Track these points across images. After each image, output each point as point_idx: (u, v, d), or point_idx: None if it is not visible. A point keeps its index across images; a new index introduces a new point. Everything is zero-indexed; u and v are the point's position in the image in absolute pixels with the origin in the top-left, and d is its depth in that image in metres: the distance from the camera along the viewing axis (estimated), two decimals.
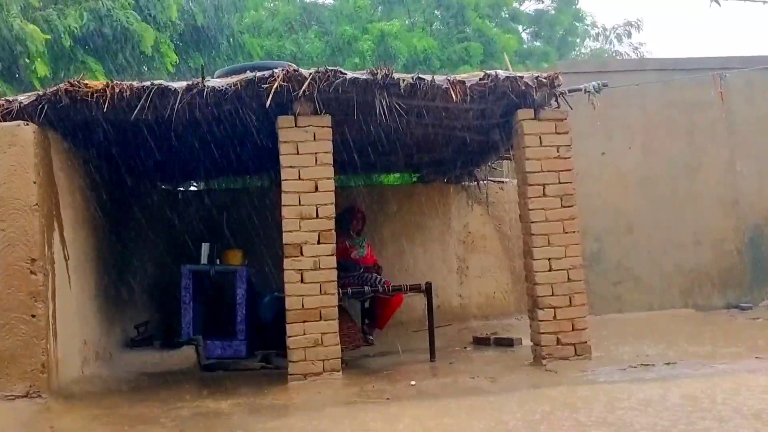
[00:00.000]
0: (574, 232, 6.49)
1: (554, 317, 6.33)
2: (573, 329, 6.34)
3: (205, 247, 7.92)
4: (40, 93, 5.92)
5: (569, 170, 6.55)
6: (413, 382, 5.91)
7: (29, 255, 5.45)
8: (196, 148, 7.18)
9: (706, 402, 4.55)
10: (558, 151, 6.54)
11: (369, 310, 8.19)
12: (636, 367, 5.95)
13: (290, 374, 6.05)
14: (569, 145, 6.57)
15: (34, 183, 5.54)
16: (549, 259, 6.41)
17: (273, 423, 4.73)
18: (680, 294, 10.08)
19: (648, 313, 9.63)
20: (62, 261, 6.02)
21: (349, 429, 4.49)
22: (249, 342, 7.73)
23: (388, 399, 5.38)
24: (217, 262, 7.96)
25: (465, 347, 7.93)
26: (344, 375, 6.15)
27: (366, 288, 7.36)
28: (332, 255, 6.22)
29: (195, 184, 10.53)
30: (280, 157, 6.20)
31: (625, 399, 4.81)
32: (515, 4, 21.02)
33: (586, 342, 6.36)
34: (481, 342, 8.08)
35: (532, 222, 6.46)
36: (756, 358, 6.04)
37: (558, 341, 6.30)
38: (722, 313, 9.48)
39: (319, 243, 6.17)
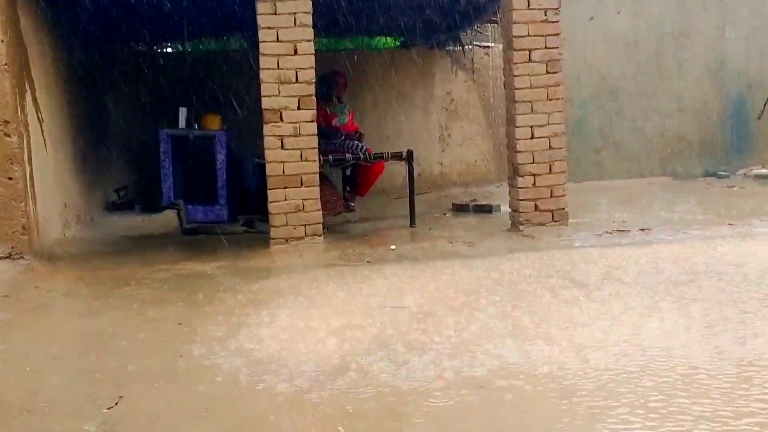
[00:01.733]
0: (558, 99, 6.43)
1: (533, 184, 6.39)
2: (551, 196, 6.41)
3: (182, 111, 7.78)
4: None
5: (557, 35, 6.39)
6: (393, 247, 6.02)
7: (1, 117, 5.32)
8: (171, 6, 6.88)
9: (674, 262, 4.70)
10: (546, 15, 6.35)
11: (350, 178, 8.21)
12: (611, 233, 6.08)
13: (272, 239, 6.13)
14: (557, 9, 6.38)
15: (2, 42, 5.32)
16: (531, 126, 6.38)
17: (256, 284, 4.83)
18: (660, 161, 10.16)
19: (627, 180, 9.75)
20: (36, 124, 5.90)
21: (330, 288, 4.61)
22: (230, 207, 7.77)
23: (368, 262, 5.49)
24: (195, 126, 7.85)
25: (444, 214, 8.03)
26: (326, 240, 6.25)
27: (347, 155, 7.34)
28: (313, 121, 6.15)
29: (171, 46, 10.18)
30: (257, 17, 5.97)
31: (598, 261, 4.95)
32: None
33: (563, 208, 6.45)
34: (460, 209, 8.17)
35: (517, 89, 6.37)
36: (729, 224, 6.18)
37: (536, 208, 6.39)
38: (699, 181, 9.62)
39: (299, 109, 6.07)
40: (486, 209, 7.90)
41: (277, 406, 2.80)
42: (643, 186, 9.40)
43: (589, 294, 4.13)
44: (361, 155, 7.39)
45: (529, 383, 2.87)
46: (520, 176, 6.37)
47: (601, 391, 2.72)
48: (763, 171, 9.49)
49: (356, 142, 7.76)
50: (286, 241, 6.10)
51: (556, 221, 6.40)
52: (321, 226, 6.25)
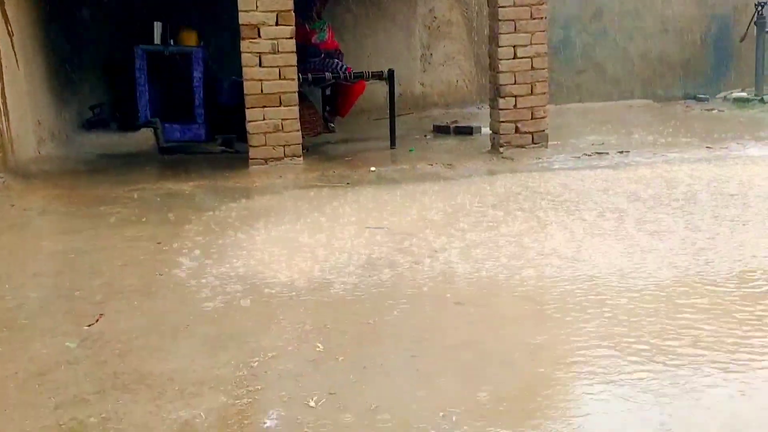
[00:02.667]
0: (541, 18, 6.32)
1: (515, 106, 6.35)
2: (532, 118, 6.39)
3: (157, 26, 7.54)
4: None
5: None
6: (373, 168, 6.01)
7: None
8: None
9: (648, 182, 4.76)
10: None
11: (330, 98, 8.09)
12: (590, 156, 6.11)
13: (251, 159, 6.08)
14: None
15: None
16: (514, 46, 6.30)
17: (235, 204, 4.82)
18: (641, 84, 10.11)
19: (608, 102, 9.71)
20: (6, 37, 5.71)
21: (310, 208, 4.62)
22: (208, 126, 7.66)
23: (348, 184, 5.49)
24: (171, 42, 7.64)
25: (425, 135, 7.99)
26: (305, 161, 6.21)
27: (327, 74, 7.21)
28: (291, 38, 6.01)
29: None
30: None
31: (575, 183, 5.00)
32: None
33: (543, 130, 6.45)
34: (441, 130, 8.13)
35: (500, 6, 6.25)
36: (707, 147, 6.22)
37: (516, 129, 6.38)
38: (679, 104, 9.61)
39: (277, 24, 5.92)
40: (466, 131, 7.86)
41: (256, 322, 2.84)
42: (624, 108, 9.38)
43: (564, 214, 4.19)
44: (342, 74, 7.26)
45: (503, 298, 2.94)
46: (502, 97, 6.33)
47: (564, 296, 2.80)
48: (743, 94, 9.48)
49: (336, 60, 7.61)
50: (265, 161, 6.06)
51: (536, 143, 6.40)
52: (300, 146, 6.20)
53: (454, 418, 2.06)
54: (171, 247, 3.88)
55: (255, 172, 5.93)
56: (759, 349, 2.43)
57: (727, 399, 2.13)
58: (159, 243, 3.98)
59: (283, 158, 6.10)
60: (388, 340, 2.65)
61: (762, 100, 9.04)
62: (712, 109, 8.92)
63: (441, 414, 2.08)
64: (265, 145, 6.06)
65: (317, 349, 2.57)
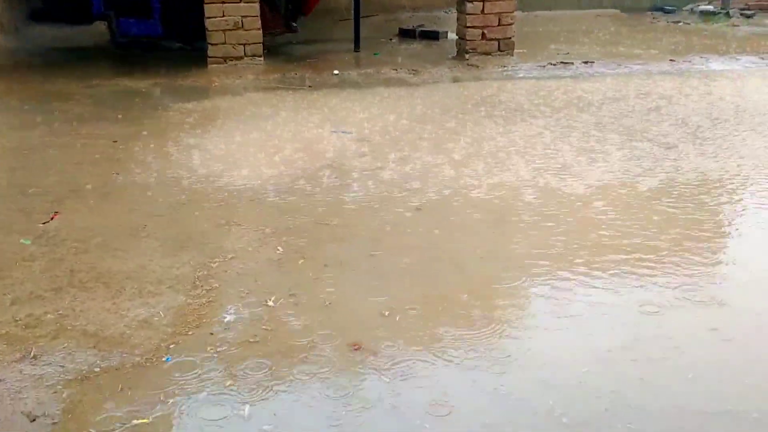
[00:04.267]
0: None
1: (482, 11, 6.23)
2: (499, 24, 6.29)
3: None
4: None
5: None
6: (336, 72, 5.90)
7: None
8: None
9: (606, 91, 4.77)
10: None
11: None
12: (555, 65, 6.07)
13: (209, 57, 5.91)
14: None
15: None
16: None
17: (194, 104, 4.72)
18: None
19: (576, 11, 9.58)
20: None
21: (271, 111, 4.54)
22: (165, 21, 7.38)
23: (310, 87, 5.39)
24: None
25: (391, 39, 7.84)
26: (266, 61, 6.06)
27: None
28: None
29: None
30: None
31: (538, 92, 4.98)
32: None
33: (510, 38, 6.36)
34: (407, 34, 7.97)
35: None
36: (670, 60, 6.22)
37: (483, 36, 6.28)
38: (647, 15, 9.54)
39: None
40: (432, 36, 7.73)
41: (216, 224, 2.83)
42: (592, 18, 9.28)
43: (525, 124, 4.19)
44: None
45: (460, 206, 2.97)
46: (469, 2, 6.19)
47: (516, 205, 2.85)
48: (709, 7, 9.43)
49: None
50: (224, 60, 5.90)
51: (502, 51, 6.32)
52: (261, 46, 6.04)
53: (397, 318, 2.11)
54: (128, 146, 3.81)
55: (214, 72, 5.78)
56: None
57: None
58: (115, 142, 3.90)
59: (243, 57, 5.94)
60: (347, 242, 2.68)
61: (728, 14, 9.02)
62: (678, 22, 8.88)
63: (386, 312, 2.14)
64: (225, 43, 5.88)
65: (278, 251, 2.58)
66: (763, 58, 6.21)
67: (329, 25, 8.20)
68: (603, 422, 1.68)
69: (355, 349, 1.96)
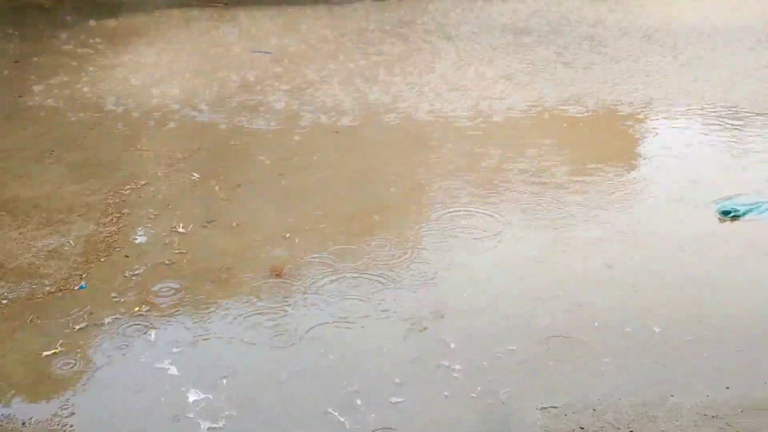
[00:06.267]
0: None
1: None
2: None
3: None
4: None
5: None
6: None
7: None
8: None
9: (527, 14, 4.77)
10: None
11: None
12: None
13: None
14: None
15: None
16: None
17: (102, 22, 4.49)
18: None
19: None
20: None
21: (187, 30, 4.37)
22: None
23: (226, 4, 5.19)
24: None
25: None
26: None
27: None
28: None
29: None
30: None
31: (468, 13, 4.94)
32: None
33: None
34: None
35: None
36: None
37: None
38: None
39: None
40: None
41: (126, 149, 2.75)
42: None
43: (446, 43, 4.17)
44: None
45: (376, 128, 2.97)
46: None
47: (425, 127, 2.88)
48: None
49: None
50: None
51: None
52: None
53: (296, 240, 2.14)
54: (31, 66, 3.62)
55: None
56: None
57: None
58: (17, 62, 3.70)
59: None
60: (259, 163, 2.65)
61: None
62: None
63: (287, 235, 2.16)
64: None
65: (193, 176, 2.54)
66: None
67: None
68: None
69: (276, 276, 1.97)
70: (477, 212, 2.32)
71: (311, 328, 1.78)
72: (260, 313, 1.83)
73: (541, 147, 2.79)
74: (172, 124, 2.99)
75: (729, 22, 4.62)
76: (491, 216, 2.30)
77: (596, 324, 1.82)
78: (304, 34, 4.36)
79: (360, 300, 1.88)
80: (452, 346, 1.73)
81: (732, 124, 3.01)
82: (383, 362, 1.67)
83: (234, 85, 3.44)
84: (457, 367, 1.66)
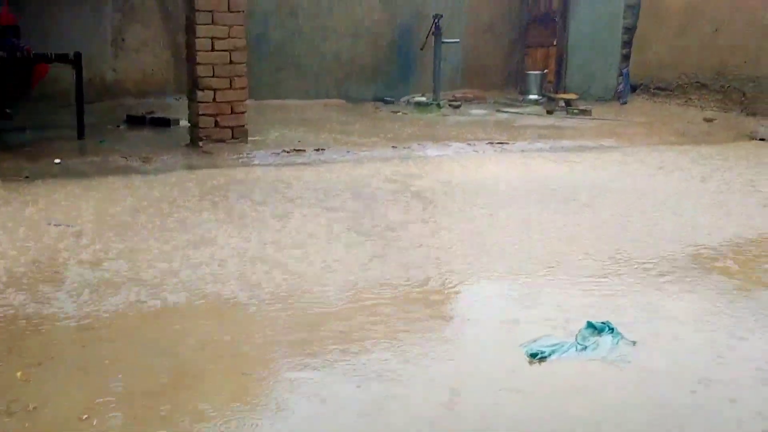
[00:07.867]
0: (239, 11, 6.31)
1: (214, 99, 6.27)
2: (232, 112, 6.36)
3: None
4: None
5: None
6: (58, 160, 5.52)
7: None
8: None
9: (336, 179, 5.03)
10: None
11: (4, 79, 7.25)
12: (289, 153, 6.26)
13: None
14: None
15: None
16: (212, 38, 6.21)
17: None
18: (335, 84, 10.61)
19: (305, 101, 10.04)
20: None
21: None
22: None
23: (27, 177, 4.98)
24: None
25: (118, 126, 7.57)
26: None
27: (1, 53, 6.46)
28: None
29: None
30: None
31: (274, 179, 5.09)
32: None
33: (243, 126, 6.46)
34: (135, 121, 7.75)
35: None
36: (392, 147, 6.72)
37: (216, 123, 6.30)
38: (369, 105, 10.27)
39: None
40: (164, 122, 7.60)
41: None
42: (320, 107, 9.78)
43: (258, 209, 4.24)
44: (20, 54, 6.56)
45: (186, 300, 2.88)
46: (201, 90, 6.21)
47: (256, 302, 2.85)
48: (422, 99, 10.43)
49: (12, 39, 6.85)
50: None
51: (236, 138, 6.39)
52: None
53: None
54: None
55: None
56: None
57: None
58: None
59: None
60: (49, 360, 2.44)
61: (438, 105, 10.04)
62: (397, 112, 9.69)
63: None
64: None
65: None
66: (469, 144, 6.95)
67: (50, 110, 7.71)
68: None
69: None
70: None
71: None
72: None
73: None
74: None
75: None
76: None
77: None
78: (112, 205, 4.25)
79: None
80: None
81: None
82: None
83: (21, 260, 3.22)
84: None
